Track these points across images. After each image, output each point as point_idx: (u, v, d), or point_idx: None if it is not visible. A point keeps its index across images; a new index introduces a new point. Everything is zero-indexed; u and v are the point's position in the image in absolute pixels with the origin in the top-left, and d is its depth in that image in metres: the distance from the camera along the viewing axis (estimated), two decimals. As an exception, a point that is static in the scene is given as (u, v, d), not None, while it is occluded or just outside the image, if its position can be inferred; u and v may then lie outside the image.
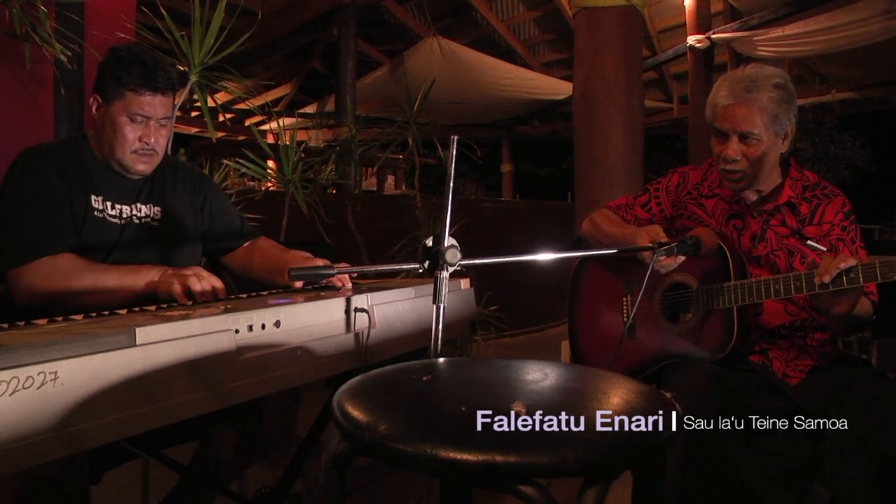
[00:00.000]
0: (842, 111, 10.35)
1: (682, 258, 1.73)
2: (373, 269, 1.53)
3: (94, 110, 1.74)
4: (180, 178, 1.96)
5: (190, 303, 1.55)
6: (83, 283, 1.59)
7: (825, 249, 1.75)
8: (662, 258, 1.70)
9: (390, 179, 8.92)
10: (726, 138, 1.77)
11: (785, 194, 1.82)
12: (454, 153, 1.42)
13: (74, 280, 1.58)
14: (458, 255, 1.36)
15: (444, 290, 1.35)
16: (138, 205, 1.83)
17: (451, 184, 1.40)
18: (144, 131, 1.72)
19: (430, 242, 1.38)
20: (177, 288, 1.59)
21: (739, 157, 1.75)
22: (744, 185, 1.81)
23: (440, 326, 1.35)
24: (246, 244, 2.03)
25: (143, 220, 1.83)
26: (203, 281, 1.61)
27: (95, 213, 1.73)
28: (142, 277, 1.63)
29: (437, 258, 1.36)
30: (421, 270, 1.39)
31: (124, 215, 1.79)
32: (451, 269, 1.36)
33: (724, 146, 1.77)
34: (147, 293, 1.63)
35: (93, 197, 1.73)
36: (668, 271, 1.78)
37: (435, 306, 1.35)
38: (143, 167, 1.77)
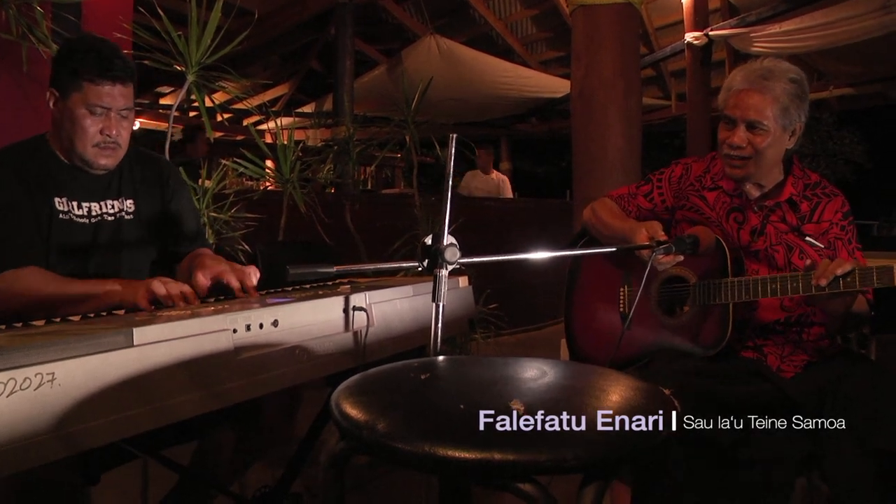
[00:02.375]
0: (839, 107, 10.36)
1: (681, 257, 1.72)
2: (372, 267, 1.53)
3: (50, 105, 1.68)
4: (147, 167, 1.89)
5: (153, 308, 1.48)
6: (47, 295, 1.53)
7: (823, 247, 1.77)
8: (661, 256, 1.71)
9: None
10: (734, 125, 1.77)
11: (787, 192, 1.83)
12: (453, 151, 1.42)
13: (36, 292, 1.53)
14: (458, 254, 1.36)
15: (444, 288, 1.35)
16: (108, 201, 1.77)
17: (451, 182, 1.41)
18: (105, 123, 1.66)
19: (429, 241, 1.37)
20: (142, 293, 1.50)
21: (745, 144, 1.76)
22: (745, 174, 1.81)
23: (440, 325, 1.35)
24: (193, 251, 1.93)
25: (117, 215, 1.78)
26: (168, 285, 1.53)
27: (61, 215, 1.68)
28: (106, 287, 1.55)
29: (436, 256, 1.36)
30: (420, 269, 1.39)
31: (94, 213, 1.74)
32: (450, 268, 1.36)
33: (731, 133, 1.78)
34: (111, 304, 1.55)
35: (56, 199, 1.68)
36: (663, 269, 1.79)
37: (434, 304, 1.35)
38: (107, 161, 1.71)
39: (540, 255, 1.61)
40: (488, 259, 1.53)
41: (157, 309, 1.46)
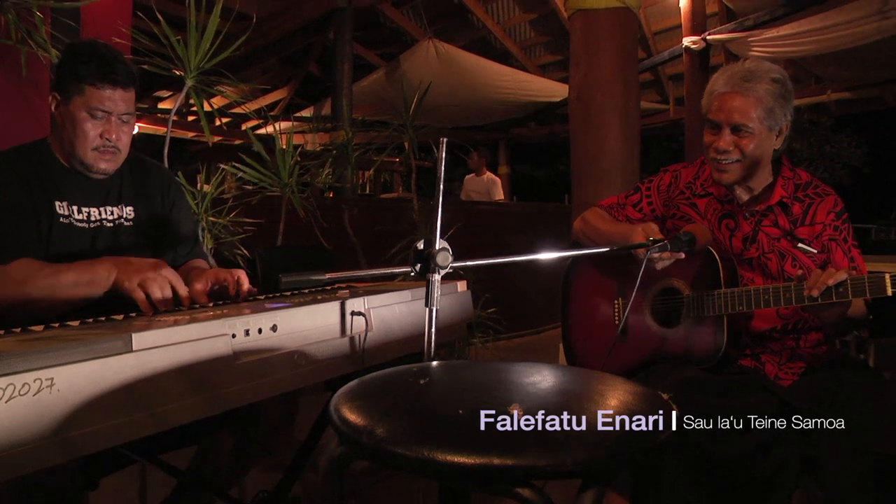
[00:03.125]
0: (837, 111, 10.39)
1: (682, 255, 1.72)
2: (364, 273, 1.52)
3: (53, 109, 1.69)
4: (149, 175, 1.90)
5: (151, 312, 1.45)
6: (38, 286, 1.50)
7: (816, 251, 1.76)
8: (656, 254, 1.70)
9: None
10: (719, 130, 1.76)
11: (777, 194, 1.81)
12: (444, 156, 1.42)
13: (28, 285, 1.50)
14: (450, 258, 1.35)
15: (436, 293, 1.34)
16: (108, 207, 1.78)
17: (442, 186, 1.41)
18: (106, 127, 1.67)
19: (421, 245, 1.37)
20: (140, 296, 1.48)
21: (731, 148, 1.75)
22: (734, 178, 1.79)
23: (433, 330, 1.35)
24: (188, 262, 1.94)
25: (116, 222, 1.79)
26: (165, 288, 1.51)
27: (61, 219, 1.68)
28: (100, 272, 1.51)
29: (428, 261, 1.35)
30: (413, 274, 1.39)
31: (93, 219, 1.74)
32: (442, 272, 1.36)
33: (717, 137, 1.77)
34: (108, 289, 1.51)
35: (57, 203, 1.68)
36: (662, 267, 1.77)
37: (427, 309, 1.35)
38: (106, 165, 1.72)
39: (534, 256, 1.59)
40: (481, 262, 1.51)
41: (156, 313, 1.46)
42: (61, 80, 1.67)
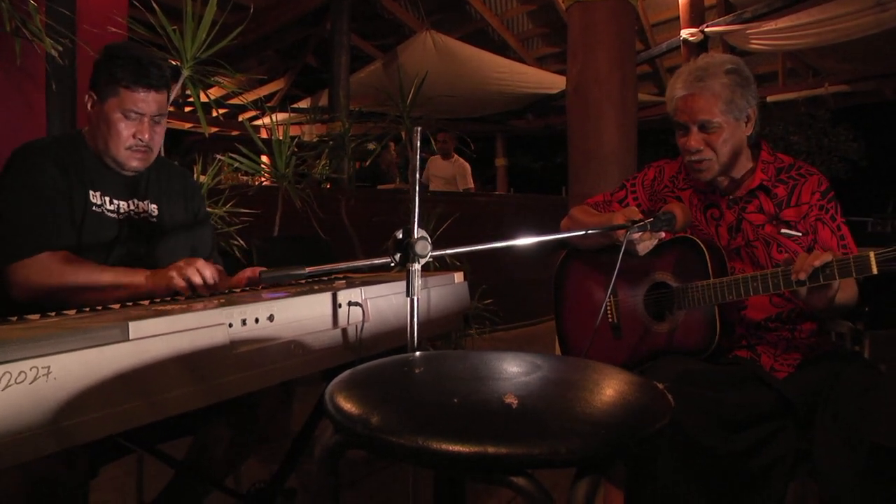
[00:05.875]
0: (835, 104, 10.38)
1: (662, 234, 1.76)
2: (344, 265, 1.51)
3: (89, 107, 1.75)
4: (175, 179, 1.97)
5: (185, 296, 1.53)
6: (77, 281, 1.58)
7: (801, 234, 1.77)
8: (637, 235, 1.71)
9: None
10: (687, 130, 1.79)
11: (757, 178, 1.83)
12: (418, 145, 1.42)
13: (70, 277, 1.58)
14: (429, 247, 1.34)
15: (417, 282, 1.34)
16: (136, 200, 1.83)
17: (417, 176, 1.42)
18: (139, 128, 1.73)
19: (400, 235, 1.36)
20: (179, 281, 1.58)
21: (703, 146, 1.77)
22: (711, 175, 1.82)
23: (416, 320, 1.35)
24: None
25: (142, 216, 1.84)
26: (205, 271, 1.60)
27: (94, 208, 1.73)
28: (138, 277, 1.62)
29: (407, 251, 1.34)
30: (393, 264, 1.39)
31: (122, 210, 1.79)
32: (422, 262, 1.35)
33: (687, 138, 1.80)
34: (142, 293, 1.60)
35: (91, 192, 1.73)
36: (645, 250, 1.79)
37: (409, 300, 1.34)
38: (138, 164, 1.78)
39: (512, 242, 1.55)
40: (461, 250, 1.50)
41: (153, 303, 1.46)
42: (98, 80, 1.72)
